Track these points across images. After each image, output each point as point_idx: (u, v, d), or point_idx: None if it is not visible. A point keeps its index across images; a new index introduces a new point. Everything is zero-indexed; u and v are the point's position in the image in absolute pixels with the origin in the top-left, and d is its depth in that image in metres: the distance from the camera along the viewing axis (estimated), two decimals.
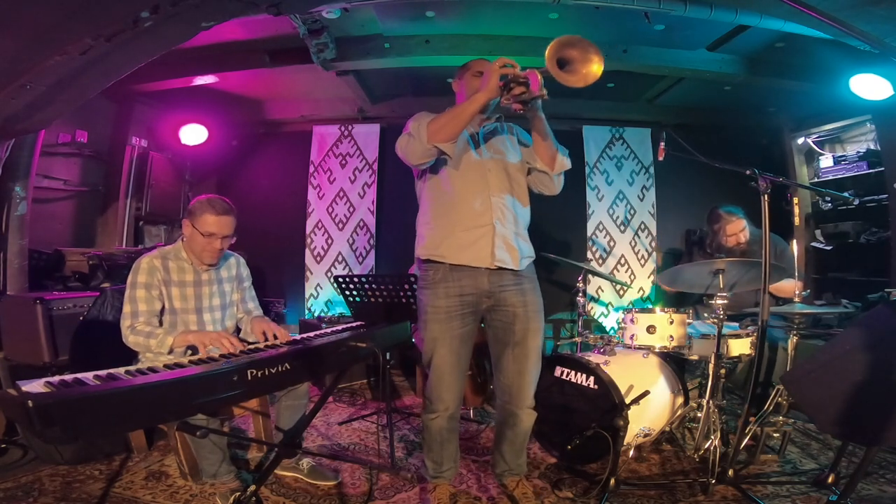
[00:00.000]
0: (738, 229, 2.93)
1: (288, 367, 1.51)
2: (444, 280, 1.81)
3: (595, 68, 1.53)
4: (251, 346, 1.81)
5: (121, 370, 1.37)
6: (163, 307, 1.99)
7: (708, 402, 2.15)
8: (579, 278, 3.09)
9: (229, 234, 2.03)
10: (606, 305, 4.29)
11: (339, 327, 2.12)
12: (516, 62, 1.63)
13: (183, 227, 2.03)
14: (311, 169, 4.39)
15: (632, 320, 2.46)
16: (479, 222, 1.79)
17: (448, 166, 1.84)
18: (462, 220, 1.80)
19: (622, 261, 4.31)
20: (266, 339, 1.92)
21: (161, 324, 1.98)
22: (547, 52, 1.51)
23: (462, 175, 1.82)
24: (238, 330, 2.22)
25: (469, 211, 1.79)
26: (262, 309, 2.30)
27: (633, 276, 4.30)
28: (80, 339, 2.39)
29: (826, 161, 3.98)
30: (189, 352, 1.85)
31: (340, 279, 2.36)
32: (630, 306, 4.15)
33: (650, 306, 3.06)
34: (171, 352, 1.84)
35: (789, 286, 2.69)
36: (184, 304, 2.02)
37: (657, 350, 2.37)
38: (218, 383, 1.33)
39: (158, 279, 1.96)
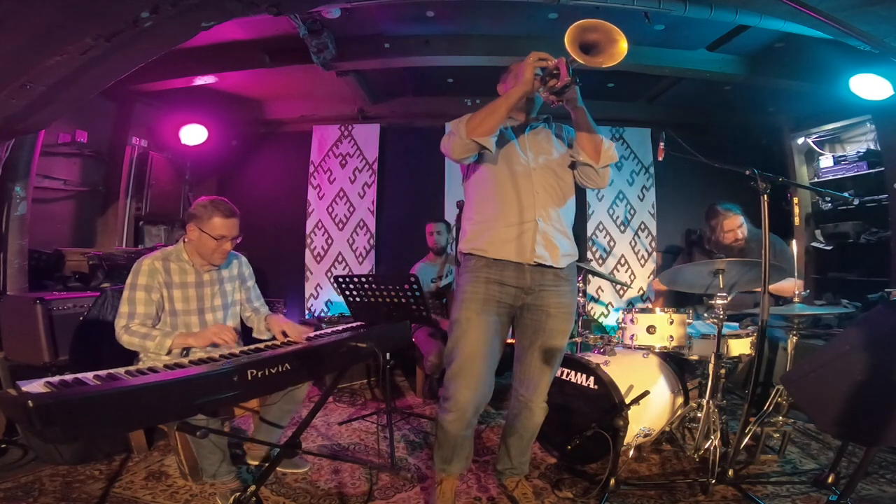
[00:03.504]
0: (735, 225, 2.94)
1: (288, 367, 1.51)
2: (488, 267, 1.77)
3: (622, 45, 1.50)
4: (251, 347, 1.81)
5: (121, 370, 1.37)
6: (161, 309, 1.99)
7: (708, 402, 2.15)
8: (579, 278, 3.09)
9: (237, 234, 2.05)
10: (606, 305, 4.29)
11: (339, 327, 2.12)
12: (551, 56, 1.60)
13: (188, 231, 2.02)
14: (311, 169, 4.39)
15: (632, 320, 2.46)
16: (522, 218, 1.76)
17: (494, 166, 1.82)
18: (505, 216, 1.78)
19: (622, 261, 4.31)
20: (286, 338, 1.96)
21: (157, 325, 1.98)
22: (567, 39, 1.48)
23: (507, 172, 1.80)
24: (241, 329, 2.22)
25: (513, 207, 1.77)
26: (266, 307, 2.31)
27: (633, 276, 4.30)
28: (80, 339, 2.39)
29: (826, 161, 3.98)
30: (184, 352, 1.85)
31: (340, 279, 2.36)
32: (630, 306, 4.15)
33: (649, 305, 3.06)
34: (169, 353, 1.84)
35: (789, 286, 2.69)
36: (185, 306, 2.02)
37: (657, 350, 2.37)
38: (218, 383, 1.34)
39: (159, 281, 1.96)
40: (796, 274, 2.55)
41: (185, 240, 2.05)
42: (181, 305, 2.01)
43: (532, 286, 1.78)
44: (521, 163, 1.82)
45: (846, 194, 3.33)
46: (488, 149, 1.71)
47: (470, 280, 1.79)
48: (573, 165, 1.87)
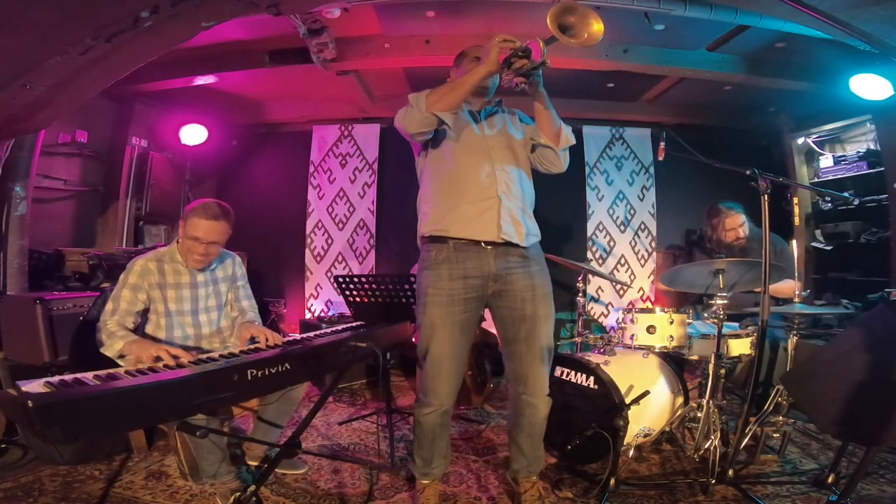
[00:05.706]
0: (737, 223, 2.94)
1: (288, 366, 1.51)
2: (448, 261, 1.72)
3: (596, 28, 1.54)
4: (251, 346, 1.81)
5: (121, 370, 1.38)
6: (148, 308, 1.98)
7: (708, 402, 2.15)
8: (579, 278, 3.09)
9: (216, 240, 2.00)
10: (606, 305, 4.29)
11: (339, 327, 2.12)
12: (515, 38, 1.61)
13: (179, 228, 2.04)
14: (311, 169, 4.39)
15: (632, 320, 2.46)
16: (485, 195, 1.72)
17: (450, 141, 1.78)
18: (467, 193, 1.73)
19: (622, 261, 4.31)
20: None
21: (146, 325, 1.97)
22: (548, 19, 1.50)
23: (465, 150, 1.77)
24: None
25: (474, 183, 1.73)
26: (258, 309, 2.29)
27: (633, 276, 4.30)
28: (79, 339, 2.39)
29: (826, 161, 3.98)
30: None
31: (340, 279, 2.36)
32: (630, 308, 4.16)
33: (649, 306, 3.07)
34: (121, 357, 1.80)
35: (788, 287, 2.69)
36: (179, 307, 2.02)
37: (657, 350, 2.37)
38: (218, 383, 1.34)
39: (150, 282, 1.96)
40: (796, 274, 2.55)
41: (178, 240, 2.06)
42: (175, 306, 2.01)
43: (498, 272, 1.73)
44: (479, 140, 1.80)
45: (846, 194, 3.33)
46: (447, 124, 1.67)
47: (431, 279, 1.74)
48: (532, 149, 1.88)
